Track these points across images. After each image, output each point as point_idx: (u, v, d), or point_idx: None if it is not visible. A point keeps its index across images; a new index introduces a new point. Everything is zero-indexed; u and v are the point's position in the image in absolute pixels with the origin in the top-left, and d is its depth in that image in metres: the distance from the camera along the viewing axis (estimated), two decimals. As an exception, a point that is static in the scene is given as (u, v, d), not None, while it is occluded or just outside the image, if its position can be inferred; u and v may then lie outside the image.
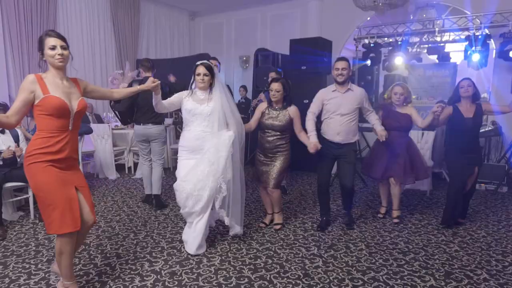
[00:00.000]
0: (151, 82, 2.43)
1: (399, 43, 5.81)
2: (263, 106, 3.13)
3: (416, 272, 2.47)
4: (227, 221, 2.75)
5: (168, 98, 2.79)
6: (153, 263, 2.55)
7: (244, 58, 7.97)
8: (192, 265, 2.53)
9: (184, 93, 2.79)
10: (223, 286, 2.27)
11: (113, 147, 5.13)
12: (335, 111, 3.00)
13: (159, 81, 2.50)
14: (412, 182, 3.49)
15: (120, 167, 5.39)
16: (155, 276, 2.37)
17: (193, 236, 2.67)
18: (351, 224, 3.24)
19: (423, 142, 4.58)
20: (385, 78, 6.39)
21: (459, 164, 3.10)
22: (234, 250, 2.78)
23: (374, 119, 3.16)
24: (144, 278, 2.35)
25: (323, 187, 3.16)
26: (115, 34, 6.71)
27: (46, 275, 2.36)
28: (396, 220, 3.36)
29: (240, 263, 2.58)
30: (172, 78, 4.60)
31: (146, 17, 7.41)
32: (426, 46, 5.84)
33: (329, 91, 3.07)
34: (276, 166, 3.06)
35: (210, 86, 2.73)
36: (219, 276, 2.39)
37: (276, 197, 3.17)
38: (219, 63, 4.04)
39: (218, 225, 3.27)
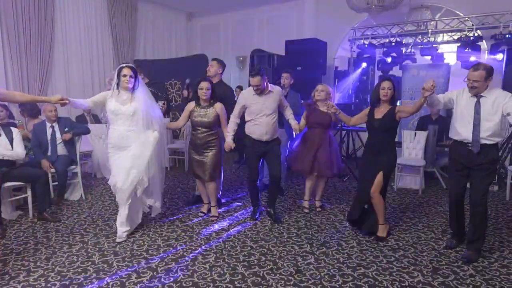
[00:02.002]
0: (57, 100, 2.65)
1: (393, 44, 5.90)
2: (191, 105, 3.33)
3: (405, 268, 2.55)
4: (151, 203, 3.14)
5: (93, 97, 3.00)
6: (149, 261, 2.62)
7: (241, 59, 8.04)
8: (187, 262, 2.60)
9: (108, 93, 2.97)
10: (217, 282, 2.34)
11: (110, 147, 5.18)
12: (260, 113, 3.20)
13: (67, 102, 2.71)
14: (333, 176, 3.72)
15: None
16: (151, 273, 2.44)
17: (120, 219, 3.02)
18: (278, 219, 3.39)
19: (415, 142, 4.66)
20: (380, 79, 6.46)
21: (363, 163, 3.16)
22: (228, 247, 2.85)
23: (289, 114, 3.42)
24: (141, 275, 2.42)
25: (254, 182, 3.41)
26: (113, 35, 6.76)
27: (45, 272, 2.43)
28: (319, 209, 3.72)
29: (234, 260, 2.65)
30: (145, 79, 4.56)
31: (144, 18, 7.45)
32: (420, 47, 5.93)
33: (250, 95, 3.24)
34: (209, 159, 3.30)
35: (133, 86, 2.93)
36: (213, 272, 2.46)
37: (212, 189, 3.41)
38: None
39: (213, 224, 3.34)
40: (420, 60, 6.04)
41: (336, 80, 6.74)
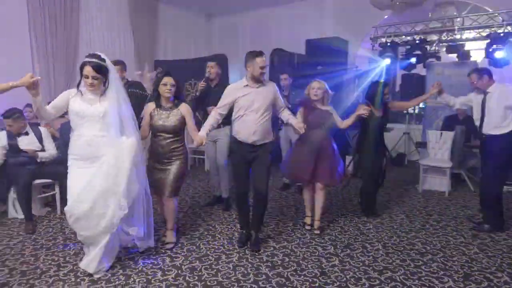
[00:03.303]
0: (29, 78, 2.09)
1: (417, 41, 5.73)
2: (150, 107, 2.78)
3: (434, 273, 2.47)
4: (133, 232, 2.54)
5: (52, 102, 2.41)
6: (174, 259, 2.64)
7: (260, 58, 8.01)
8: (211, 261, 2.61)
9: (70, 92, 2.40)
10: (242, 282, 2.34)
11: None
12: (249, 108, 2.71)
13: (38, 78, 2.12)
14: (335, 184, 3.37)
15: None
16: (176, 271, 2.46)
17: (88, 259, 2.38)
18: (257, 246, 2.81)
19: (441, 142, 4.51)
20: (403, 77, 6.31)
21: (370, 154, 3.45)
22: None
23: (287, 114, 2.93)
24: (166, 272, 2.45)
25: (243, 196, 2.85)
26: (134, 36, 6.90)
27: (74, 267, 2.49)
28: (317, 232, 3.10)
29: (257, 260, 2.64)
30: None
31: (164, 20, 7.57)
32: (445, 44, 5.74)
33: (240, 87, 2.76)
34: (172, 172, 2.73)
35: (104, 84, 2.37)
36: (237, 272, 2.46)
37: (171, 208, 2.81)
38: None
39: (235, 223, 3.34)
40: (444, 58, 5.85)
41: (357, 79, 6.62)
